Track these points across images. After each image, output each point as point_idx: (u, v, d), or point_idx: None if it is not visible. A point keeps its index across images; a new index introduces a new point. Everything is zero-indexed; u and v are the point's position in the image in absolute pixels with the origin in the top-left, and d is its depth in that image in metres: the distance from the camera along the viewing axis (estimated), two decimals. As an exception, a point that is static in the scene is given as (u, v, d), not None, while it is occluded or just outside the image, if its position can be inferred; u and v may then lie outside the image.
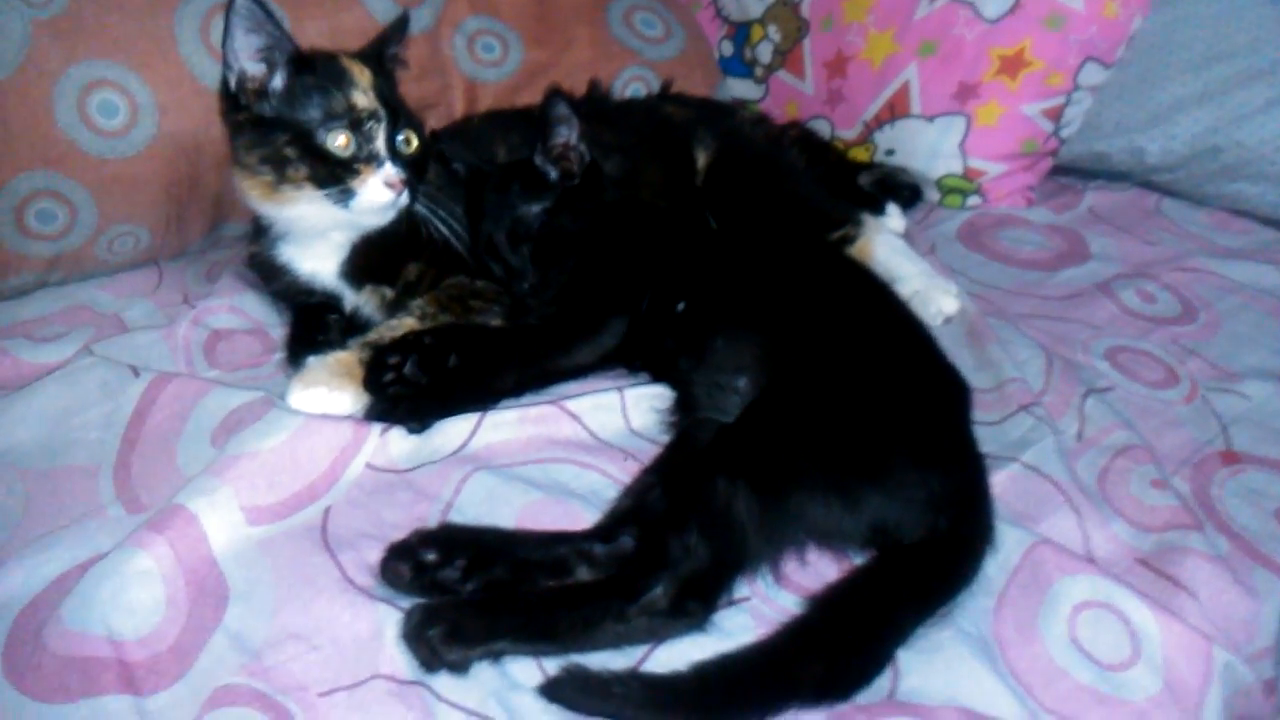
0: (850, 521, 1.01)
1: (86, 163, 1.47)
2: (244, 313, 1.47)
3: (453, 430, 1.18)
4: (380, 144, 1.25)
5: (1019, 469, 1.17)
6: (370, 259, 1.37)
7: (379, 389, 1.20)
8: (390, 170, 1.24)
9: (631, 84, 2.00)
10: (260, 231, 1.40)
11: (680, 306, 1.28)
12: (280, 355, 1.38)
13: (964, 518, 1.03)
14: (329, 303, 1.43)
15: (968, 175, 1.86)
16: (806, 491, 1.01)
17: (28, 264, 1.49)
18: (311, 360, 1.28)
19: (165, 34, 1.52)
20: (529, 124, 1.62)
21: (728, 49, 2.20)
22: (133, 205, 1.54)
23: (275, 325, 1.46)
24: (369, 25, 1.66)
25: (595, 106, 1.82)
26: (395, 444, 1.16)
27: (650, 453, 1.18)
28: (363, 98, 1.25)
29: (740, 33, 2.18)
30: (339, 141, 1.23)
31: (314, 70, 1.25)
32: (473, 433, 1.19)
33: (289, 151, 1.23)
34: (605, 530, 1.05)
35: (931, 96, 1.85)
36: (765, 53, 2.12)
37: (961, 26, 1.82)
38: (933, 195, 1.91)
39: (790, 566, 1.02)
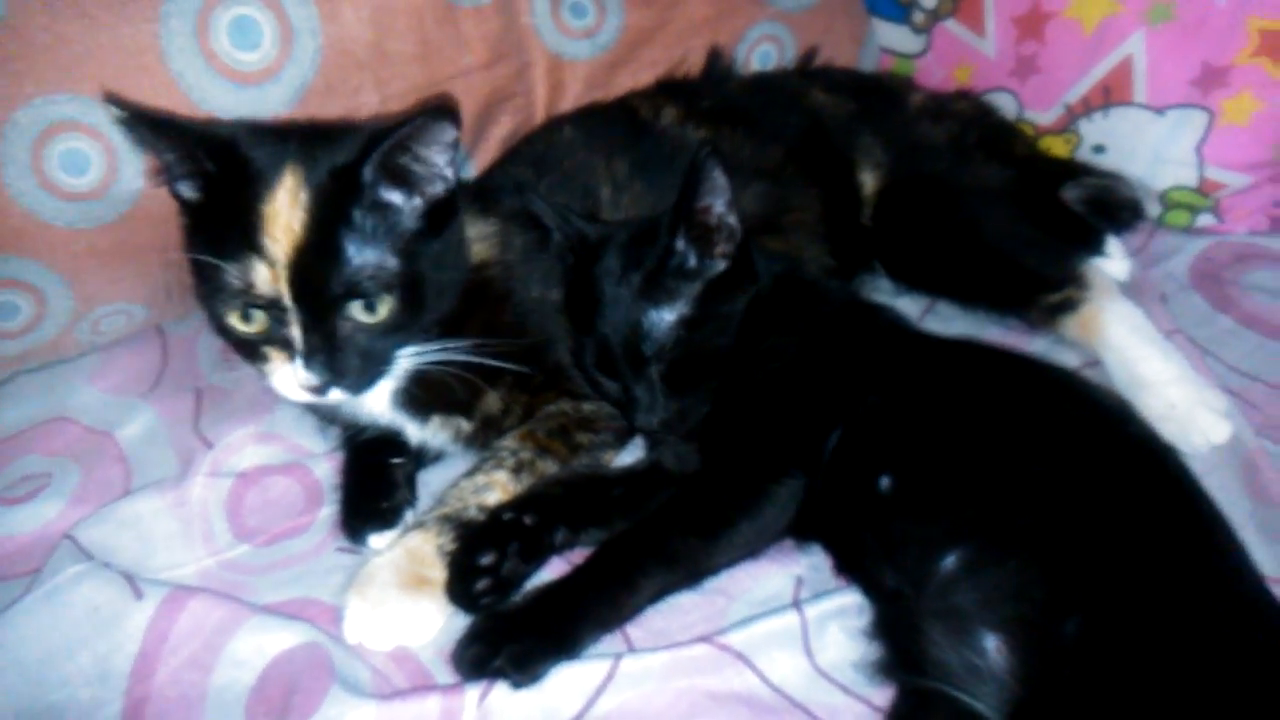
0: None
1: (53, 239, 1.10)
2: (277, 439, 1.12)
3: (573, 682, 0.88)
4: (292, 332, 0.89)
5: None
6: (432, 389, 1.04)
7: (471, 600, 0.94)
8: (302, 374, 0.90)
9: (760, 45, 1.56)
10: None
11: (885, 483, 0.91)
12: (328, 510, 1.07)
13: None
14: (389, 437, 1.09)
15: (1203, 189, 1.47)
16: None
17: (-15, 364, 1.15)
18: (372, 546, 1.00)
19: (145, 43, 1.10)
20: (637, 135, 1.24)
21: (875, -19, 1.75)
22: (120, 281, 1.16)
23: (318, 456, 1.11)
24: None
25: (719, 93, 1.38)
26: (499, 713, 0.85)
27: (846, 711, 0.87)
28: (263, 276, 0.87)
29: (895, -39, 1.73)
30: (237, 322, 0.91)
31: (233, 196, 0.89)
32: (600, 687, 0.88)
33: (204, 306, 0.94)
34: None
35: (1163, 80, 1.44)
36: (931, -9, 1.68)
37: (1210, -15, 1.37)
38: (1152, 209, 1.50)
39: None
